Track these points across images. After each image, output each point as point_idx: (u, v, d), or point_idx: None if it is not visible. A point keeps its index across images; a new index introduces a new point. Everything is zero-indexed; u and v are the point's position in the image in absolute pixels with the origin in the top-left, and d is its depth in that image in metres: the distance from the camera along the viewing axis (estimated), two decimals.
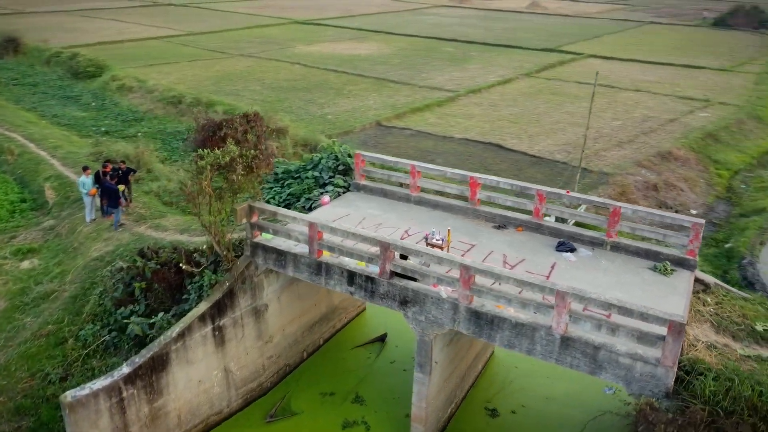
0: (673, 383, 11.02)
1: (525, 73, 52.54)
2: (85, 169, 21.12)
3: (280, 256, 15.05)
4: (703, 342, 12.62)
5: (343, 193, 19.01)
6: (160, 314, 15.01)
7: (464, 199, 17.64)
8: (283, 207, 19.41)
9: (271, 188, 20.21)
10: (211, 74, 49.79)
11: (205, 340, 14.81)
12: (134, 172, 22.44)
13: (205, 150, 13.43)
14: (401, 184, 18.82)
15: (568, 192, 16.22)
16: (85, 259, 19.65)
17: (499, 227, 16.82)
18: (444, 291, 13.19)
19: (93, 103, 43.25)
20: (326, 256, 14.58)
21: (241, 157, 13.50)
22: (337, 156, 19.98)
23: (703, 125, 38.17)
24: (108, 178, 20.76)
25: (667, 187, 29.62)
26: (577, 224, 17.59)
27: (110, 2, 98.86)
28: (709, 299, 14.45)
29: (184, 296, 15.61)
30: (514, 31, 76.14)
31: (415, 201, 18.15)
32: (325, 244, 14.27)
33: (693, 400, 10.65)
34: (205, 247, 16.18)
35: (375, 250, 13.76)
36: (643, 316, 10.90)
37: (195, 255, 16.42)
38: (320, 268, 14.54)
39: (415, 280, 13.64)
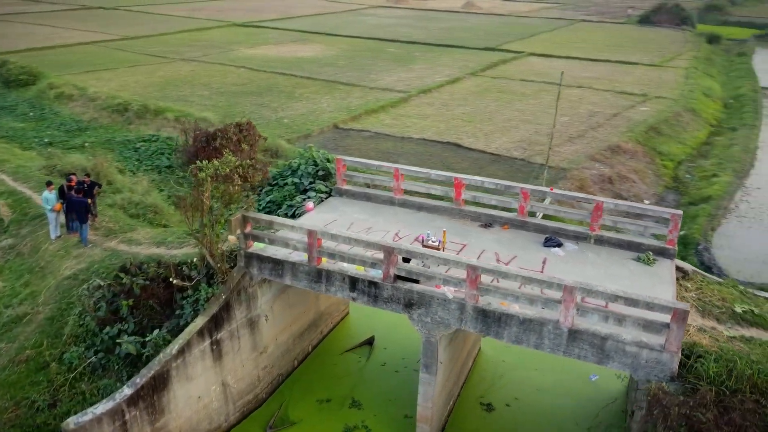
0: (677, 367, 11.67)
1: (471, 72, 53.60)
2: (48, 184, 20.16)
3: (277, 265, 14.89)
4: (693, 326, 13.40)
5: (326, 198, 18.97)
6: (155, 331, 14.56)
7: (448, 199, 17.96)
8: (268, 213, 19.25)
9: (246, 196, 19.92)
10: (154, 80, 48.31)
11: (204, 355, 14.50)
12: (99, 186, 21.62)
13: (203, 161, 13.14)
14: (384, 188, 18.95)
15: (551, 189, 16.77)
16: (56, 278, 18.76)
17: (485, 226, 17.23)
18: (448, 291, 13.43)
19: (31, 113, 41.19)
20: (326, 263, 14.55)
21: (240, 167, 13.29)
22: (316, 161, 19.90)
23: (645, 119, 40.10)
24: (73, 192, 19.93)
25: (620, 179, 31.01)
26: (545, 216, 18.25)
27: (31, 6, 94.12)
28: (689, 285, 15.32)
29: (177, 311, 15.21)
30: (453, 31, 77.49)
31: (399, 203, 18.32)
32: (325, 251, 14.22)
33: (698, 381, 11.31)
34: (195, 260, 15.80)
35: (377, 254, 13.85)
36: (649, 306, 11.49)
37: (183, 268, 16.01)
38: (320, 276, 14.49)
39: (417, 282, 13.82)
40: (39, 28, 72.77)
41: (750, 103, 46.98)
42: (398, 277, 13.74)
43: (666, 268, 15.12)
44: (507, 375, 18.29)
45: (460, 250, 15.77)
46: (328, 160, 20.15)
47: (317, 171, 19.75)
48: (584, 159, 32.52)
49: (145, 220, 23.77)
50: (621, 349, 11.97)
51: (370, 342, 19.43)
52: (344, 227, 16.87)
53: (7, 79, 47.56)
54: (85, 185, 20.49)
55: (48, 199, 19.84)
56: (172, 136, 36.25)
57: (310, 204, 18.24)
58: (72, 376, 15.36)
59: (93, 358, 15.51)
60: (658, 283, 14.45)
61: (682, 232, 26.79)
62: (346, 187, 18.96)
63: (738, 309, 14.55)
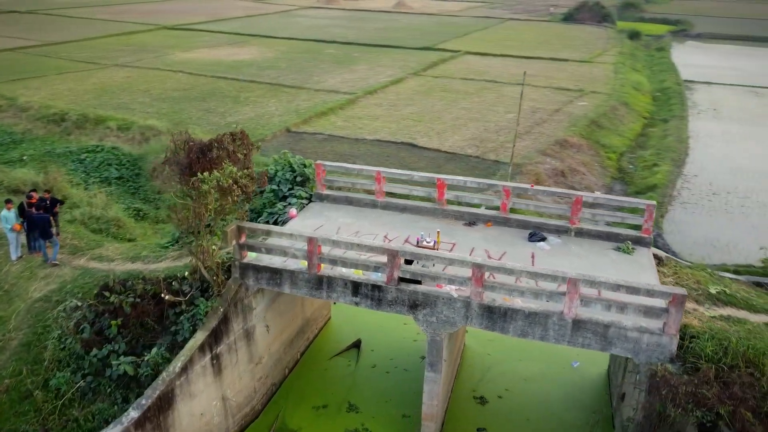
0: (676, 349, 12.45)
1: (413, 72, 54.28)
2: (7, 202, 19.06)
3: (275, 274, 14.75)
4: None
5: (307, 204, 18.89)
6: (153, 350, 14.11)
7: (430, 200, 18.29)
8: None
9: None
10: (88, 87, 46.24)
11: (205, 371, 14.19)
12: (61, 203, 20.66)
13: (204, 173, 12.84)
14: (365, 191, 19.07)
15: (532, 185, 17.40)
16: (25, 301, 17.78)
17: (469, 224, 17.66)
18: (453, 291, 13.74)
19: None
20: (325, 269, 14.55)
21: (242, 178, 13.08)
22: (293, 167, 19.76)
23: (585, 113, 41.92)
24: (34, 209, 18.97)
25: (571, 172, 32.35)
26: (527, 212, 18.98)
27: None
28: (666, 271, 16.28)
29: (172, 328, 14.78)
30: (388, 31, 78.13)
31: (381, 206, 18.49)
32: (327, 258, 14.22)
33: (697, 361, 12.12)
34: (187, 273, 15.39)
35: (377, 258, 13.99)
36: (650, 293, 12.22)
37: (173, 283, 15.57)
38: (321, 283, 14.47)
39: (419, 283, 14.06)
40: None
41: (676, 95, 49.94)
42: (401, 279, 13.92)
43: (645, 256, 16.03)
44: (494, 368, 18.83)
45: (451, 249, 16.10)
46: (305, 166, 20.04)
47: (295, 177, 19.61)
48: (535, 154, 33.67)
49: (109, 234, 22.91)
50: (623, 335, 12.65)
51: (357, 345, 19.52)
52: (332, 232, 16.88)
53: None
54: (47, 202, 19.54)
55: (7, 218, 18.76)
56: (117, 146, 34.98)
57: (293, 211, 18.11)
58: (61, 402, 14.66)
59: (81, 383, 14.84)
60: (641, 270, 15.31)
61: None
62: (326, 192, 18.95)
63: (712, 290, 15.62)
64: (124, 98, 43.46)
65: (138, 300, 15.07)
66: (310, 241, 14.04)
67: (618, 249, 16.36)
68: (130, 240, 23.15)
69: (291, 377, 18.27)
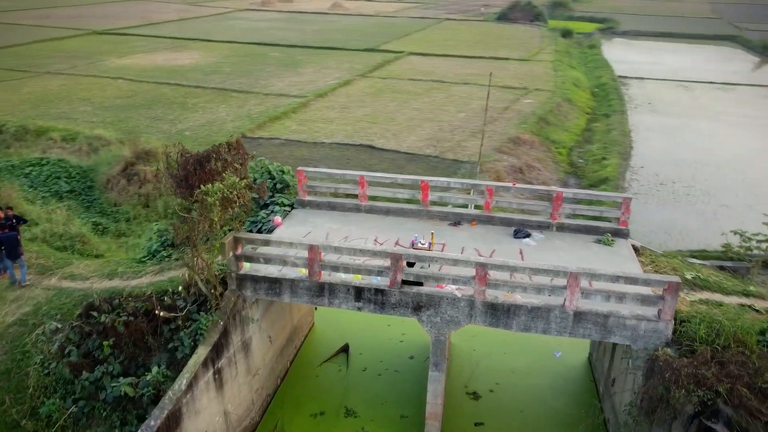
0: (671, 334, 13.18)
1: (360, 74, 54.42)
2: None
3: (274, 283, 14.61)
4: None
5: (289, 211, 18.74)
6: (154, 369, 13.68)
7: (414, 202, 18.53)
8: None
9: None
10: (23, 97, 43.94)
11: (208, 386, 13.90)
12: (25, 221, 19.66)
13: (207, 186, 12.55)
14: (347, 195, 19.10)
15: (514, 184, 17.91)
16: None
17: (454, 224, 18.02)
18: (457, 291, 14.02)
19: None
20: (326, 276, 14.52)
21: (245, 189, 12.89)
22: (272, 174, 19.55)
23: (533, 111, 43.26)
24: None
25: (528, 168, 33.36)
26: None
27: None
28: (643, 260, 17.14)
29: (169, 345, 14.37)
30: (329, 33, 77.94)
31: (365, 210, 18.58)
32: (329, 265, 14.21)
33: (692, 343, 12.88)
34: (180, 288, 14.98)
35: (375, 262, 14.11)
36: (647, 282, 12.89)
37: (165, 299, 15.13)
38: (323, 290, 14.44)
39: (421, 284, 14.26)
40: None
41: (613, 91, 52.27)
42: (404, 282, 14.08)
43: (625, 247, 16.84)
44: (482, 363, 19.27)
45: (441, 250, 16.39)
46: (284, 172, 19.88)
47: (275, 184, 19.42)
48: (492, 152, 34.50)
49: (74, 252, 22.00)
50: (622, 323, 13.28)
51: (345, 350, 19.53)
52: (321, 238, 16.86)
53: None
54: (12, 220, 18.56)
55: None
56: (63, 158, 33.43)
57: (278, 218, 17.94)
58: (53, 430, 14.01)
59: (74, 408, 14.23)
60: (624, 260, 16.09)
61: None
62: (308, 198, 18.87)
63: (688, 276, 16.58)
64: (64, 107, 41.58)
65: (131, 318, 14.56)
66: (311, 248, 13.99)
67: (599, 241, 17.11)
68: (97, 256, 22.28)
69: (283, 386, 18.10)
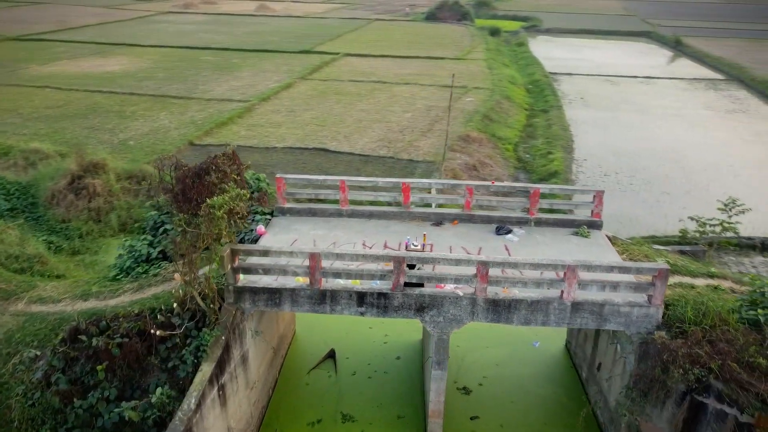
0: (661, 318, 14.02)
1: (300, 76, 54.00)
2: None
3: (274, 294, 14.42)
4: None
5: (269, 220, 18.50)
6: (157, 390, 13.21)
7: (395, 204, 18.72)
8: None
9: (154, 234, 18.73)
10: None
11: (214, 404, 13.58)
12: None
13: (213, 198, 12.22)
14: (328, 200, 19.04)
15: (493, 182, 18.44)
16: None
17: (437, 224, 18.34)
18: (453, 288, 14.33)
19: None
20: (326, 283, 14.49)
21: (249, 200, 12.67)
22: (249, 183, 19.20)
23: (476, 109, 44.39)
24: None
25: (481, 165, 34.25)
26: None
27: None
28: (618, 249, 18.06)
29: (170, 364, 13.92)
30: (260, 35, 76.79)
31: (347, 215, 18.60)
32: (330, 272, 14.18)
33: (682, 325, 13.75)
34: (175, 305, 14.51)
35: (384, 266, 14.22)
36: (639, 270, 13.66)
37: (158, 317, 14.63)
38: (324, 297, 14.39)
39: (421, 285, 14.48)
40: None
41: (547, 87, 54.32)
42: (406, 284, 14.26)
43: (601, 238, 17.70)
44: (467, 358, 19.71)
45: (430, 250, 16.66)
46: (259, 180, 19.59)
47: (252, 193, 19.08)
48: (444, 150, 35.18)
49: (34, 273, 20.81)
50: (616, 311, 14.00)
51: (331, 355, 19.48)
52: (309, 245, 16.79)
53: None
54: None
55: None
56: None
57: (261, 228, 17.68)
58: None
59: None
60: (603, 251, 16.92)
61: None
62: (288, 205, 18.70)
63: (660, 261, 17.60)
64: None
65: (125, 339, 13.99)
66: (313, 256, 13.92)
67: (576, 234, 17.89)
68: (58, 277, 21.18)
69: (276, 397, 17.86)
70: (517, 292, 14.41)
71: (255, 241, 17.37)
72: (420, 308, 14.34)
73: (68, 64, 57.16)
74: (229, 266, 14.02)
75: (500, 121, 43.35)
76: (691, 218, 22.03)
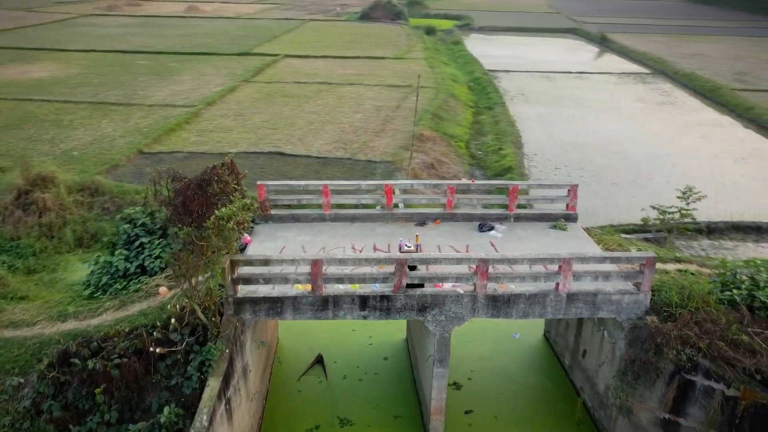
0: (649, 303, 14.82)
1: (243, 79, 53.04)
2: None
3: (275, 303, 14.26)
4: None
5: (252, 227, 18.21)
6: (165, 409, 12.79)
7: (377, 206, 18.85)
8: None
9: (128, 249, 18.17)
10: None
11: (222, 419, 13.29)
12: None
13: (220, 210, 11.91)
14: (309, 206, 18.95)
15: (473, 181, 18.86)
16: None
17: (420, 224, 18.60)
18: (451, 287, 14.62)
19: None
20: (330, 289, 14.46)
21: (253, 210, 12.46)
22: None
23: (424, 108, 44.90)
24: None
25: (438, 163, 34.78)
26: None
27: None
28: (594, 240, 18.90)
29: (173, 382, 13.51)
30: (194, 37, 74.79)
31: (330, 219, 18.58)
32: (332, 277, 14.15)
33: (669, 309, 14.58)
34: (173, 321, 14.08)
35: (383, 268, 14.33)
36: (629, 260, 14.38)
37: (154, 333, 14.16)
38: (326, 303, 14.35)
39: (421, 286, 14.69)
40: None
41: (488, 84, 55.65)
42: (408, 285, 14.43)
43: (578, 230, 18.46)
44: (454, 354, 19.68)
45: (420, 250, 16.90)
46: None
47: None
48: (401, 150, 35.53)
49: None
50: (608, 299, 14.69)
51: (319, 361, 19.40)
52: (299, 251, 16.69)
53: None
54: None
55: None
56: None
57: (246, 236, 17.38)
58: None
59: None
60: (582, 242, 17.67)
61: None
62: (270, 212, 18.47)
63: (633, 250, 18.57)
64: None
65: (124, 359, 13.48)
66: (315, 263, 13.86)
67: (554, 227, 18.57)
68: (21, 298, 20.06)
69: (269, 407, 17.62)
70: (513, 287, 14.86)
71: (241, 250, 17.05)
72: (422, 308, 14.55)
73: None
74: (229, 277, 13.75)
75: (449, 119, 44.11)
76: (653, 207, 23.29)
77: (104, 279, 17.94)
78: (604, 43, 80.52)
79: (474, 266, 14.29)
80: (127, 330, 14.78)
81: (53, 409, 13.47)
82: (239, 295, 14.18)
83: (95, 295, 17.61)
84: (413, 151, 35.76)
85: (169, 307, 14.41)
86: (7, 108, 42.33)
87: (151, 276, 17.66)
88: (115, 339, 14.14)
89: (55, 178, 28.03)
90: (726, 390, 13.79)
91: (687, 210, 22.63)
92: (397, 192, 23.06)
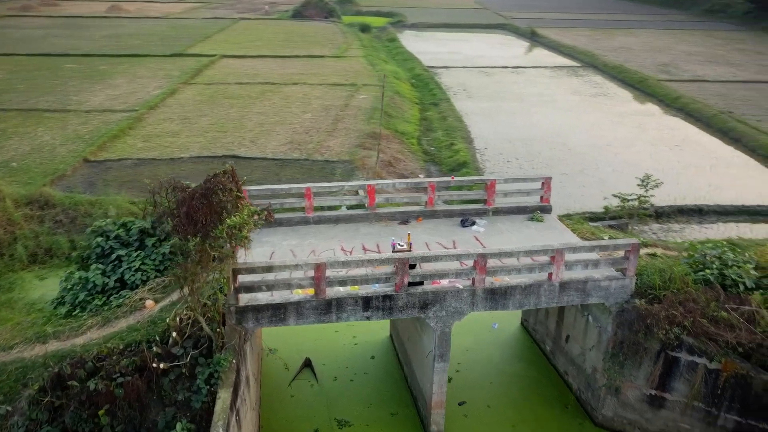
0: (633, 287, 15.65)
1: (182, 81, 51.46)
2: None
3: (278, 309, 14.12)
4: None
5: None
6: (178, 425, 12.45)
7: (359, 206, 18.93)
8: (165, 268, 17.38)
9: (106, 262, 17.59)
10: None
11: (234, 431, 13.09)
12: None
13: (232, 219, 11.65)
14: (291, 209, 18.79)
15: (452, 178, 19.24)
16: None
17: (403, 223, 18.83)
18: (449, 282, 14.95)
19: None
20: (333, 291, 14.45)
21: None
22: None
23: (373, 106, 45.09)
24: None
25: (395, 161, 35.09)
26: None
27: None
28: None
29: (179, 397, 13.14)
30: (122, 39, 71.83)
31: (314, 221, 18.53)
32: (336, 280, 14.16)
33: (653, 291, 15.46)
34: (174, 334, 13.68)
35: (386, 268, 14.47)
36: (616, 247, 15.13)
37: (154, 348, 13.73)
38: (330, 306, 14.34)
39: (421, 284, 14.93)
40: None
41: (430, 81, 56.42)
42: (409, 284, 14.63)
43: (555, 221, 19.22)
44: None
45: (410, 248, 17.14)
46: None
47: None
48: (358, 149, 35.63)
49: None
50: (597, 285, 15.41)
51: (308, 364, 19.32)
52: (288, 255, 16.59)
53: None
54: None
55: None
56: None
57: None
58: None
59: None
60: (561, 232, 18.42)
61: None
62: (273, 218, 18.17)
63: (605, 237, 19.51)
64: None
65: (127, 378, 13.00)
66: (318, 266, 13.83)
67: (531, 219, 19.25)
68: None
69: (264, 414, 17.39)
70: (507, 279, 15.34)
71: None
72: (424, 305, 14.80)
73: None
74: (232, 286, 13.52)
75: (398, 117, 44.50)
76: (615, 195, 24.48)
77: (81, 296, 17.17)
78: (533, 38, 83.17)
79: (472, 261, 14.64)
80: (121, 347, 14.28)
81: None
82: (241, 303, 13.95)
83: (74, 314, 16.83)
84: (369, 150, 35.96)
85: (168, 320, 14.00)
86: None
87: (132, 289, 17.07)
88: (112, 357, 13.63)
89: (0, 191, 26.43)
90: (708, 364, 14.81)
91: (645, 197, 23.95)
92: (355, 193, 23.21)
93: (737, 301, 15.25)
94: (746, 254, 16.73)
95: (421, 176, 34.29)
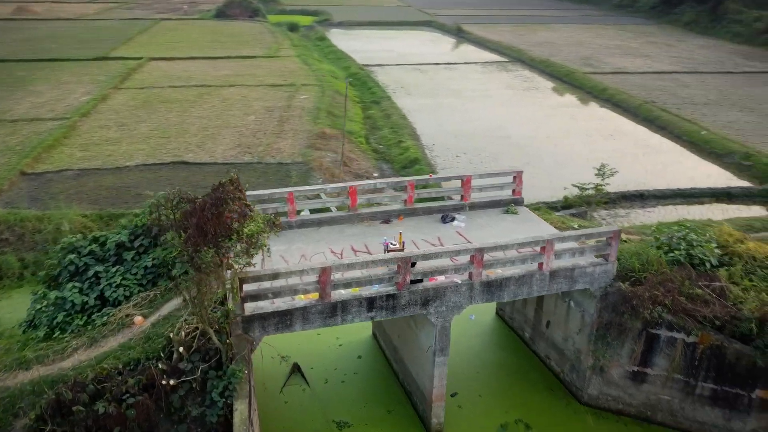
0: (615, 272, 16.58)
1: (111, 86, 49.23)
2: None
3: (284, 316, 14.01)
4: None
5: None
6: None
7: (341, 208, 18.99)
8: (148, 282, 16.86)
9: (82, 279, 16.96)
10: None
11: None
12: None
13: (250, 226, 11.42)
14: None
15: (431, 176, 19.62)
16: None
17: (386, 222, 19.05)
18: (456, 277, 15.35)
19: None
20: (337, 294, 14.48)
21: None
22: None
23: (316, 106, 44.96)
24: None
25: (348, 160, 35.16)
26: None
27: None
28: None
29: (194, 412, 12.81)
30: (36, 42, 67.76)
31: (297, 225, 18.44)
32: (341, 283, 14.21)
33: (633, 274, 16.44)
34: (181, 349, 13.28)
35: (389, 269, 14.66)
36: (600, 234, 15.99)
37: (159, 365, 13.29)
38: (335, 309, 14.37)
39: (421, 281, 15.22)
40: None
41: (367, 79, 56.68)
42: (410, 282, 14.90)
43: (528, 213, 20.01)
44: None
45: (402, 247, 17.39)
46: None
47: None
48: (309, 150, 35.45)
49: None
50: (584, 272, 16.23)
51: (297, 369, 19.20)
52: (277, 262, 16.44)
53: None
54: None
55: None
56: None
57: None
58: None
59: None
60: (537, 224, 19.20)
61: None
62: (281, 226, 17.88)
63: (576, 225, 20.51)
64: None
65: (138, 398, 12.54)
66: (324, 270, 13.84)
67: (506, 212, 19.94)
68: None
69: (263, 423, 17.10)
70: (500, 272, 15.89)
71: None
72: (425, 302, 15.10)
73: None
74: (238, 296, 13.31)
75: (341, 116, 44.38)
76: (574, 185, 25.66)
77: (59, 316, 16.29)
78: (460, 35, 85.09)
79: (469, 256, 15.08)
80: (120, 366, 13.74)
81: None
82: (247, 312, 13.75)
83: (54, 336, 15.96)
84: (321, 150, 35.87)
85: (171, 335, 13.58)
86: None
87: (115, 306, 16.39)
88: (114, 378, 13.10)
89: None
90: (686, 338, 15.95)
91: (602, 185, 25.29)
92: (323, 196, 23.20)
93: (707, 278, 16.48)
94: (707, 234, 18.06)
95: (376, 175, 34.58)
